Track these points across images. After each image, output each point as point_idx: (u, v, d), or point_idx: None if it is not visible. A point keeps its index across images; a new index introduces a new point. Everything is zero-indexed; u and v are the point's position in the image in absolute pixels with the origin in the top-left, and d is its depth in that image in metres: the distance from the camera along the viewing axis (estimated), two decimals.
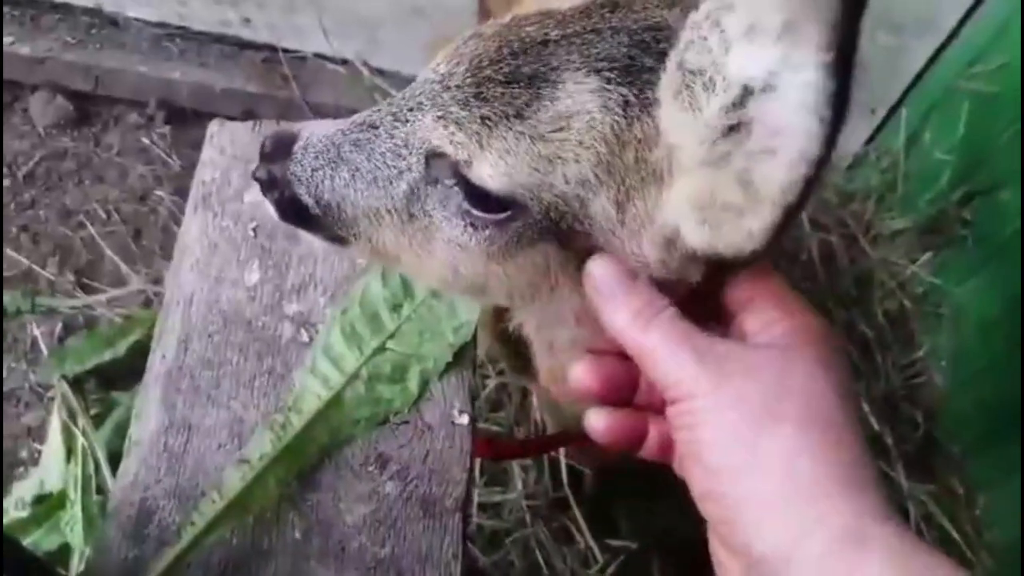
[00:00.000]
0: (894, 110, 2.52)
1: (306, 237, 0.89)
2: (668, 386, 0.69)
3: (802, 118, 0.57)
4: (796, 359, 0.68)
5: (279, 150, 0.82)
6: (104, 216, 2.40)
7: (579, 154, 0.70)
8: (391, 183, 0.77)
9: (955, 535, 2.12)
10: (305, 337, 1.09)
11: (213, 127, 1.23)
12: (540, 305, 0.84)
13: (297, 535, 0.97)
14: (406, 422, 1.06)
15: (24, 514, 1.67)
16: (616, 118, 0.69)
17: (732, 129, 0.62)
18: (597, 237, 0.74)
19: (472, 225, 0.75)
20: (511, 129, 0.70)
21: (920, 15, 2.27)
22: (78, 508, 1.51)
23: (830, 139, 0.58)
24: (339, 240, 0.85)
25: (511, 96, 0.70)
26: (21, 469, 2.06)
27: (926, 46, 2.34)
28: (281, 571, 0.94)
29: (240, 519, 0.96)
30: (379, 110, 0.79)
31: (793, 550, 0.62)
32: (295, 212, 0.83)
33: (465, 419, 1.06)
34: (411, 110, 0.76)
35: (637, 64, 0.70)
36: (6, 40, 2.44)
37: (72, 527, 1.47)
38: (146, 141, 2.51)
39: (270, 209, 0.86)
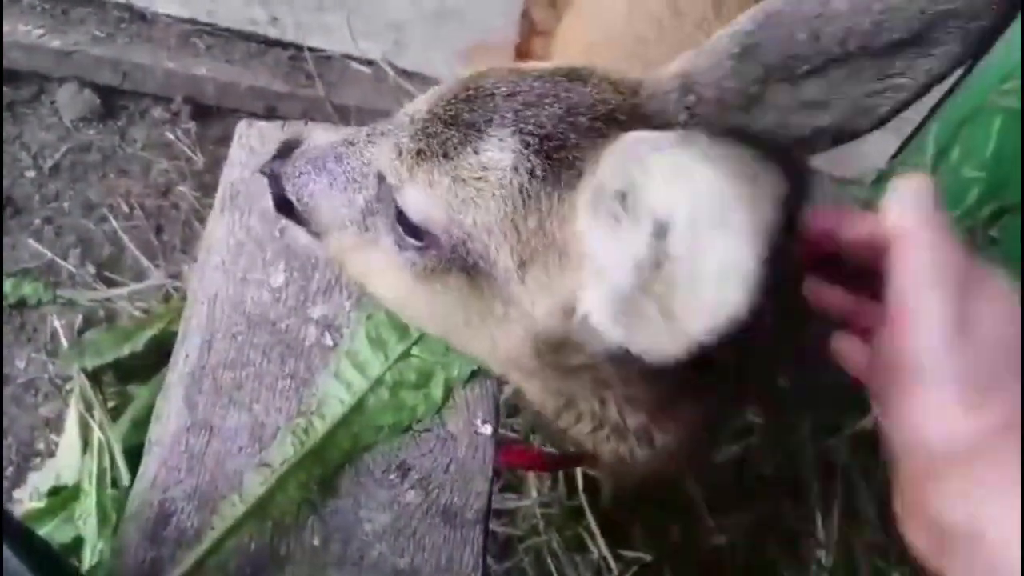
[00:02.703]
0: (922, 125, 2.49)
1: (293, 230, 0.99)
2: None
3: (721, 284, 0.55)
4: None
5: (285, 152, 0.93)
6: (127, 210, 2.40)
7: (489, 205, 0.75)
8: (353, 196, 0.86)
9: None
10: (329, 341, 1.09)
11: (241, 127, 1.22)
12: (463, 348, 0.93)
13: (316, 542, 0.96)
14: (428, 430, 1.05)
15: (39, 505, 1.68)
16: (524, 182, 0.74)
17: (651, 259, 0.61)
18: (501, 285, 0.79)
19: (399, 244, 0.83)
20: (438, 167, 0.77)
21: None
22: (92, 501, 1.50)
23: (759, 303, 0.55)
24: (316, 236, 0.95)
25: (446, 137, 0.77)
26: (37, 460, 2.06)
27: None
28: None
29: (260, 524, 0.95)
30: (363, 129, 0.88)
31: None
32: (285, 206, 0.94)
33: (488, 429, 1.06)
34: (381, 134, 0.85)
35: (561, 139, 0.74)
36: (36, 32, 2.44)
37: (86, 520, 1.47)
38: (171, 136, 2.51)
39: (268, 200, 0.95)
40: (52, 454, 1.96)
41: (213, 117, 2.57)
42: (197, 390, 1.04)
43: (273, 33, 2.58)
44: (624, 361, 0.69)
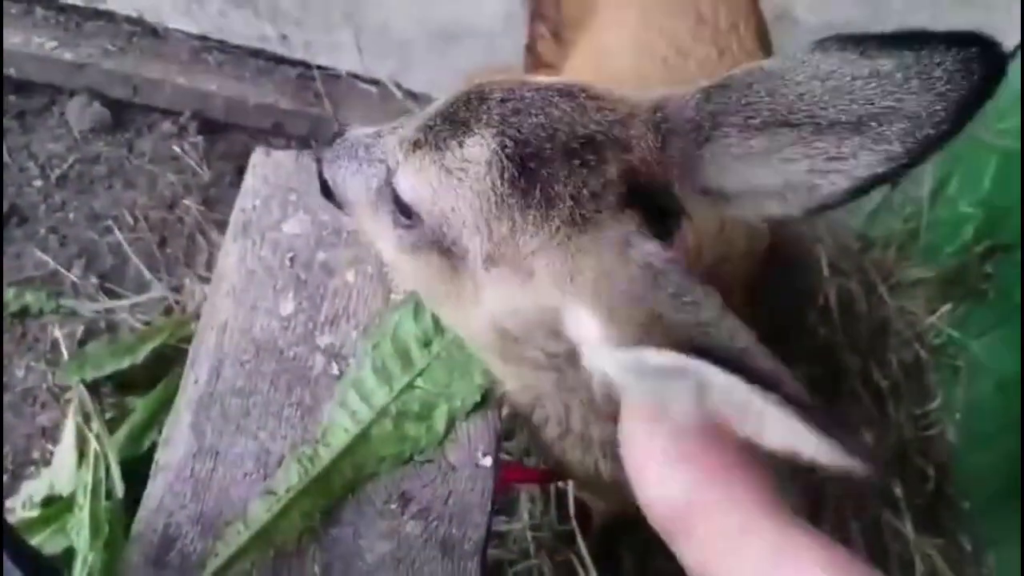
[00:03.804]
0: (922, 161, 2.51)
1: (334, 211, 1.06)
2: None
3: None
4: None
5: (331, 140, 1.03)
6: (132, 222, 2.42)
7: (466, 195, 0.81)
8: (369, 179, 0.94)
9: None
10: (336, 370, 1.11)
11: (257, 156, 1.25)
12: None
13: (317, 569, 0.98)
14: (430, 461, 1.07)
15: (32, 514, 1.69)
16: (496, 181, 0.80)
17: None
18: (471, 271, 0.85)
19: (394, 222, 0.91)
20: (428, 155, 0.84)
21: None
22: (86, 513, 1.51)
23: None
24: (348, 216, 1.03)
25: (440, 130, 0.84)
26: (32, 469, 2.07)
27: None
28: None
29: (263, 551, 0.97)
30: (392, 123, 0.96)
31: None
32: (326, 188, 1.03)
33: (488, 461, 1.07)
34: (397, 128, 0.92)
35: (536, 149, 0.80)
36: (49, 44, 2.47)
37: (79, 532, 1.47)
38: (178, 150, 2.53)
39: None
40: (48, 463, 1.96)
41: (220, 132, 2.59)
42: (205, 416, 1.06)
43: (282, 51, 2.61)
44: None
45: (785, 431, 0.59)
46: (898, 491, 2.17)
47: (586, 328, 0.73)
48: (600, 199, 0.78)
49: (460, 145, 0.82)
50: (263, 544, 0.97)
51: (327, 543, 1.00)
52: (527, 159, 0.79)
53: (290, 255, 1.17)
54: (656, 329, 0.66)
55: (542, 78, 0.88)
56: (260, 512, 0.97)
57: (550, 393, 1.00)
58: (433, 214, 0.85)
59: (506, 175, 0.79)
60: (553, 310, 0.79)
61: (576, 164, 0.79)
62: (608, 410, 0.95)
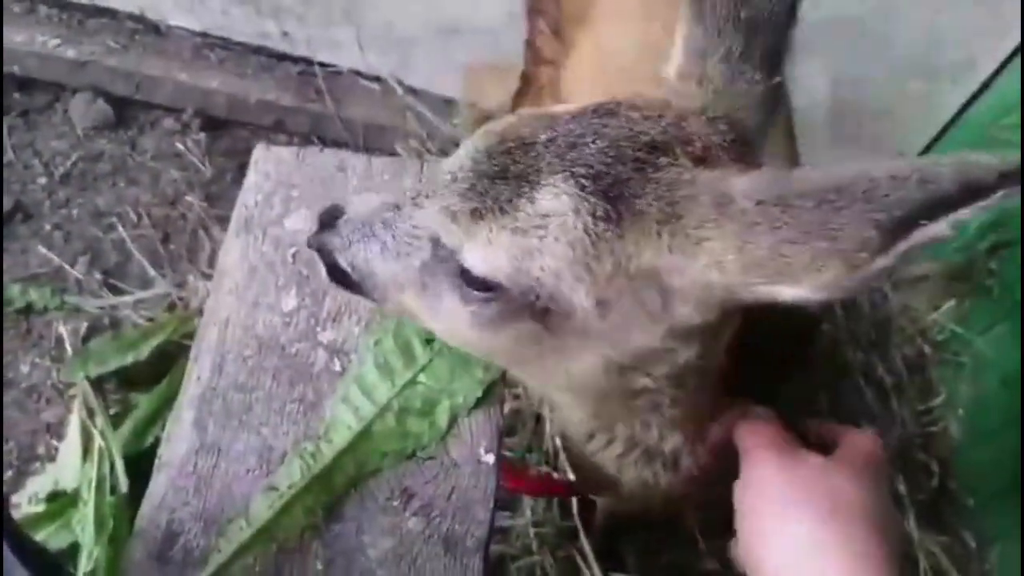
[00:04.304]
0: (923, 155, 2.51)
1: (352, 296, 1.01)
2: None
3: None
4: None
5: (329, 221, 0.94)
6: (135, 219, 2.43)
7: (555, 250, 0.77)
8: (408, 258, 0.87)
9: None
10: (338, 366, 1.11)
11: (258, 152, 1.25)
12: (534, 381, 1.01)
13: (319, 565, 0.98)
14: (432, 458, 1.07)
15: (37, 509, 1.69)
16: (588, 224, 0.76)
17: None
18: (578, 323, 0.81)
19: (464, 299, 0.84)
20: (495, 222, 0.78)
21: (957, 61, 2.27)
22: (90, 508, 1.51)
23: None
24: (375, 300, 0.96)
25: (498, 192, 0.78)
26: (37, 464, 2.08)
27: (960, 93, 2.34)
28: None
29: (266, 546, 0.97)
30: (408, 192, 0.89)
31: None
32: (339, 276, 0.95)
33: (491, 458, 1.07)
34: (427, 196, 0.85)
35: (611, 174, 0.76)
36: (52, 42, 2.48)
37: (83, 527, 1.47)
38: (180, 147, 2.54)
39: (322, 271, 0.96)
40: (52, 459, 1.98)
41: (222, 129, 2.60)
42: (207, 412, 1.06)
43: (284, 48, 2.61)
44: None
45: None
46: (901, 487, 2.17)
47: (790, 293, 0.72)
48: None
49: (531, 201, 0.77)
50: (266, 540, 0.97)
51: (329, 539, 1.00)
52: (608, 189, 0.76)
53: (292, 251, 1.17)
54: (829, 240, 0.67)
55: (563, 107, 0.85)
56: (262, 508, 0.98)
57: (626, 417, 0.99)
58: (519, 281, 0.79)
59: (597, 213, 0.75)
60: (726, 302, 0.78)
61: (650, 172, 0.76)
62: (690, 416, 0.98)
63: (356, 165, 1.25)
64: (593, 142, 0.78)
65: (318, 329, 1.13)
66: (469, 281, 0.82)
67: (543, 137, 0.79)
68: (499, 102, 1.91)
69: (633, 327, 0.81)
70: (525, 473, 1.93)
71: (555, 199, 0.76)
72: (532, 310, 0.81)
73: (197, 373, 1.08)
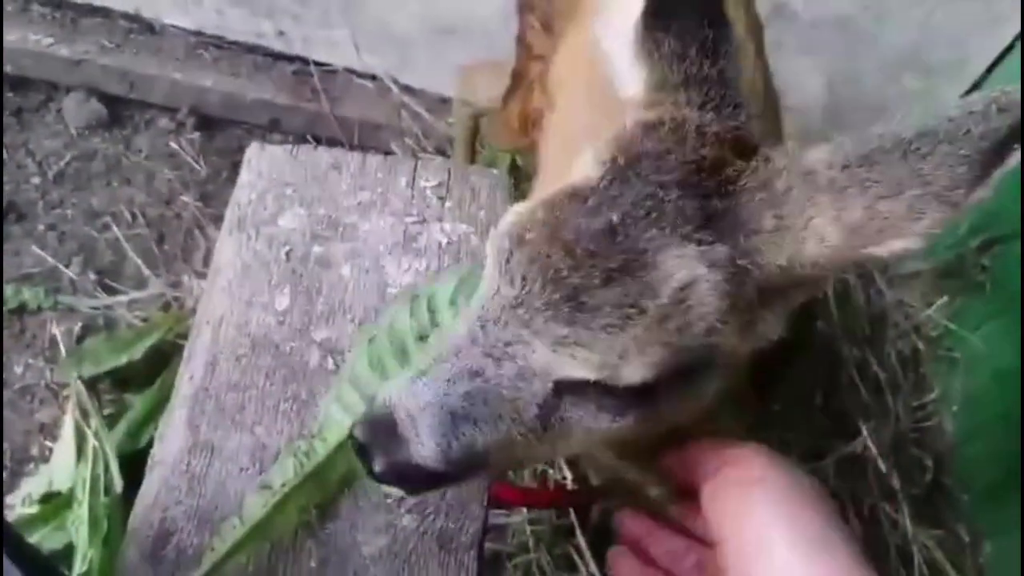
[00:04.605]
0: None
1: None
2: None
3: None
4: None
5: (383, 436, 0.78)
6: (129, 218, 2.42)
7: (703, 314, 0.72)
8: (519, 414, 0.76)
9: None
10: (332, 364, 1.11)
11: (252, 151, 1.25)
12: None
13: (313, 564, 0.98)
14: None
15: (31, 511, 1.69)
16: (727, 271, 0.72)
17: None
18: (725, 358, 0.77)
19: (617, 416, 0.76)
20: (638, 325, 0.70)
21: (950, 59, 2.28)
22: (85, 509, 1.52)
23: None
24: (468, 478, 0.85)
25: (621, 295, 0.70)
26: (31, 465, 2.08)
27: (955, 90, 2.34)
28: None
29: (259, 546, 0.97)
30: (466, 352, 0.75)
31: None
32: (429, 483, 0.82)
33: None
34: (508, 344, 0.74)
35: (709, 211, 0.73)
36: (46, 40, 2.47)
37: (78, 527, 1.48)
38: (175, 146, 2.53)
39: (398, 492, 0.87)
40: (47, 460, 1.98)
41: (217, 128, 2.60)
42: (200, 411, 1.06)
43: (279, 46, 2.61)
44: None
45: None
46: (895, 482, 2.18)
47: (894, 247, 0.70)
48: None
49: (662, 283, 0.70)
50: (259, 539, 0.97)
51: (323, 538, 1.00)
52: (716, 224, 0.72)
53: (286, 249, 1.17)
54: (923, 186, 0.67)
55: (569, 186, 0.78)
56: (256, 507, 0.97)
57: None
58: (679, 359, 0.73)
59: (722, 258, 0.72)
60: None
61: (731, 188, 0.74)
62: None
63: (350, 163, 1.25)
64: (667, 193, 0.73)
65: (312, 328, 1.13)
66: (614, 398, 0.75)
67: (615, 218, 0.72)
68: (491, 100, 1.91)
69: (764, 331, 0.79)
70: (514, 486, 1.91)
71: (686, 269, 0.71)
72: (684, 375, 0.75)
73: (190, 372, 1.08)
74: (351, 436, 0.80)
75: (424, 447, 0.75)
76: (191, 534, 0.98)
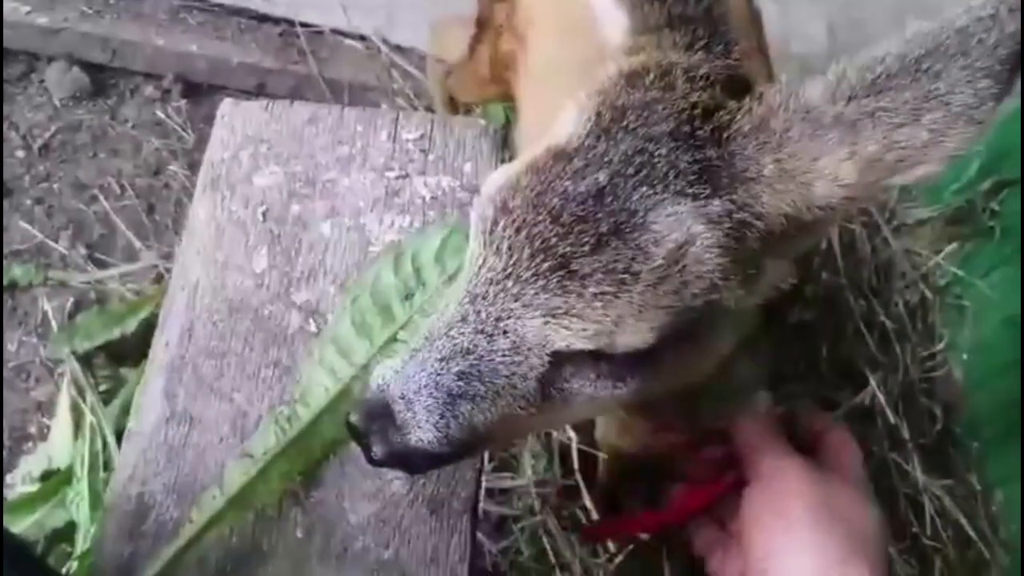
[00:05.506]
0: None
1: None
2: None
3: None
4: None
5: (380, 421, 0.76)
6: (118, 190, 2.38)
7: (702, 273, 0.68)
8: (517, 388, 0.73)
9: (970, 531, 2.08)
10: (313, 327, 1.07)
11: (224, 107, 1.20)
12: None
13: (299, 534, 0.95)
14: None
15: (31, 489, 1.68)
16: (726, 226, 0.68)
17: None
18: (727, 307, 0.72)
19: (618, 383, 0.74)
20: (632, 291, 0.66)
21: (954, 1, 2.21)
22: (84, 485, 1.51)
23: None
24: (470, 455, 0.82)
25: (612, 260, 0.66)
26: (30, 444, 2.06)
27: None
28: (281, 571, 0.92)
29: (241, 516, 0.94)
30: (457, 330, 0.72)
31: None
32: (430, 465, 0.80)
33: None
34: (499, 319, 0.71)
35: (701, 163, 0.68)
36: (23, 9, 2.41)
37: (78, 504, 1.47)
38: (161, 115, 2.48)
39: (399, 474, 0.90)
40: (44, 438, 1.96)
41: (204, 94, 2.54)
42: (177, 380, 1.02)
43: (264, 9, 2.55)
44: None
45: None
46: (905, 433, 2.15)
47: (920, 172, 0.66)
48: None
49: (656, 244, 0.66)
50: (241, 509, 0.94)
51: (309, 506, 0.97)
52: (709, 181, 0.68)
53: (262, 209, 1.13)
54: (943, 108, 0.63)
55: (551, 144, 0.74)
56: (236, 476, 0.94)
57: None
58: (678, 320, 0.69)
59: (718, 211, 0.68)
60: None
61: (725, 135, 0.70)
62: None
63: (328, 117, 1.20)
64: (657, 147, 0.69)
65: (291, 290, 1.09)
66: (620, 362, 0.72)
67: (603, 178, 0.68)
68: (464, 54, 1.86)
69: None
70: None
71: (680, 227, 0.67)
72: (687, 331, 0.71)
73: (165, 340, 1.04)
74: (347, 423, 0.78)
75: (422, 430, 0.73)
76: (170, 508, 0.95)
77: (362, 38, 2.56)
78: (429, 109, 2.43)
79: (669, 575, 1.92)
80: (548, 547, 1.91)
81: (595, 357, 0.71)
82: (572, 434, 1.92)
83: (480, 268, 0.71)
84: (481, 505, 1.92)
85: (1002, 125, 2.13)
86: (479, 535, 1.88)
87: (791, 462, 0.86)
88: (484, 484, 1.92)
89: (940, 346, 2.36)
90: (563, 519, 1.95)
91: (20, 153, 2.39)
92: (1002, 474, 2.18)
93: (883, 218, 2.46)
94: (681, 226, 0.67)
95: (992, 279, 2.31)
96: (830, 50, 2.38)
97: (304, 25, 2.56)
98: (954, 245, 2.42)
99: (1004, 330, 2.22)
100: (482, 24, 1.74)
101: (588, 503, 1.94)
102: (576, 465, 1.93)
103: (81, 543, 1.35)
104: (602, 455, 1.93)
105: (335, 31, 2.57)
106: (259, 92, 2.54)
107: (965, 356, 2.35)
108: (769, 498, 0.84)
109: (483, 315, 0.71)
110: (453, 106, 2.23)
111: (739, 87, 0.74)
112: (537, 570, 1.91)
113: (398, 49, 2.54)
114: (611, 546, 1.90)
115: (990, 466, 2.22)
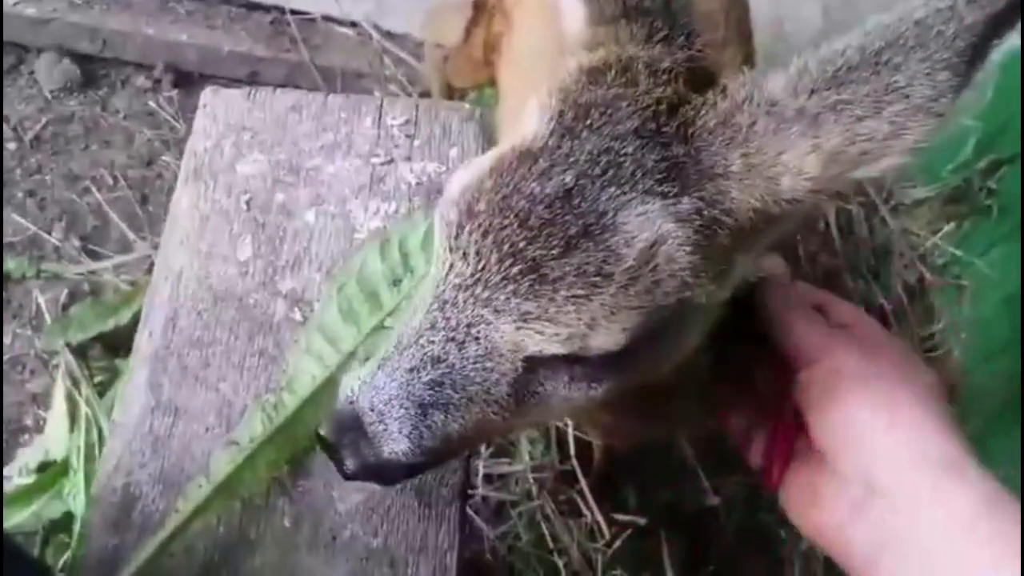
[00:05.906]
0: None
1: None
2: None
3: None
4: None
5: (351, 434, 0.74)
6: (111, 181, 2.37)
7: (673, 271, 0.67)
8: (490, 394, 0.71)
9: None
10: (299, 316, 1.06)
11: (206, 95, 1.19)
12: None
13: (287, 523, 0.94)
14: None
15: (28, 481, 1.67)
16: (696, 224, 0.66)
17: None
18: (699, 301, 0.71)
19: (593, 383, 0.73)
20: (604, 293, 0.65)
21: None
22: (81, 476, 1.50)
23: None
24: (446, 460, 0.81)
25: (583, 262, 0.65)
26: (26, 436, 2.06)
27: None
28: (269, 561, 0.92)
29: (227, 505, 0.93)
30: (427, 339, 0.71)
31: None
32: (405, 475, 0.79)
33: None
34: (470, 326, 0.69)
35: (668, 160, 0.67)
36: (11, 0, 2.40)
37: (75, 496, 1.46)
38: (153, 105, 2.47)
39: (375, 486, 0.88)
40: (41, 430, 1.96)
41: (195, 84, 2.53)
42: (162, 370, 1.01)
43: None
44: None
45: None
46: None
47: (883, 165, 0.65)
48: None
49: (627, 245, 0.65)
50: (227, 498, 0.93)
51: (297, 496, 0.96)
52: (677, 177, 0.66)
53: (246, 197, 1.12)
54: (903, 100, 0.62)
55: (517, 143, 0.71)
56: (223, 464, 0.93)
57: None
58: (650, 318, 0.68)
59: (688, 208, 0.66)
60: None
61: (690, 131, 0.68)
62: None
63: (311, 104, 1.19)
64: (623, 146, 0.67)
65: (276, 278, 1.08)
66: (590, 367, 0.71)
67: (569, 179, 0.67)
68: (457, 37, 1.85)
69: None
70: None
71: (649, 226, 0.65)
72: (659, 327, 0.70)
73: (149, 330, 1.04)
74: (318, 436, 0.77)
75: (395, 442, 0.72)
76: (156, 499, 0.94)
77: (353, 25, 2.55)
78: (424, 95, 2.41)
79: (667, 559, 1.92)
80: (546, 531, 1.91)
81: (569, 360, 0.70)
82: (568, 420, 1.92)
83: (447, 274, 0.70)
84: (479, 491, 1.92)
85: (1001, 100, 2.12)
86: (477, 520, 1.88)
87: (837, 340, 0.80)
88: (482, 470, 1.92)
89: (939, 326, 2.35)
90: (560, 504, 1.95)
91: (11, 145, 2.39)
92: (1003, 453, 2.17)
93: (880, 198, 2.44)
94: (651, 226, 0.66)
95: (991, 258, 2.30)
96: (824, 30, 2.36)
97: (295, 12, 2.55)
98: (952, 224, 2.41)
99: (1004, 308, 2.20)
100: (478, 6, 1.73)
101: (585, 488, 1.94)
102: (572, 451, 1.93)
103: (78, 533, 1.35)
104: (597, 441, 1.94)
105: (326, 18, 2.56)
106: (251, 81, 2.53)
107: (964, 335, 2.34)
108: (825, 379, 0.78)
109: (453, 322, 0.69)
110: (450, 92, 2.22)
111: (703, 80, 0.72)
112: (535, 555, 1.91)
113: (389, 35, 2.53)
114: (606, 531, 1.90)
115: (989, 445, 2.21)
